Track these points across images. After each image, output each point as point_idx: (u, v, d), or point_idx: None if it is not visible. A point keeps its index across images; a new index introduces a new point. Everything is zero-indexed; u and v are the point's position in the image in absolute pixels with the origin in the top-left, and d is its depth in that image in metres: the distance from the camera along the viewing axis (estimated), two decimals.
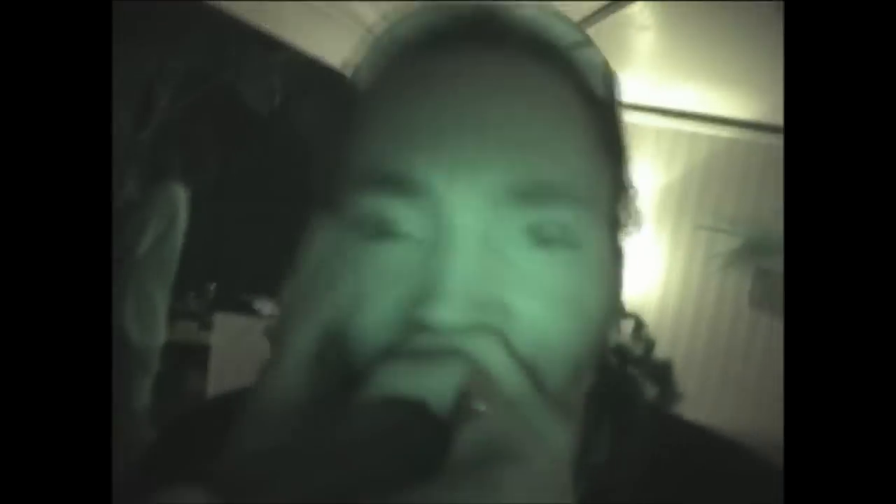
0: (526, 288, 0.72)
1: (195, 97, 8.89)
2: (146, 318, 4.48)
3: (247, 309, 5.70)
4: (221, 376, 5.19)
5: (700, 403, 5.18)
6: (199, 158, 8.83)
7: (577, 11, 5.49)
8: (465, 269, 0.68)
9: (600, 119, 0.90)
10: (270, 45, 7.95)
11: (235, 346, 5.28)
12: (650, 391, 1.95)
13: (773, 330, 5.98)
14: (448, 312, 0.67)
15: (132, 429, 4.28)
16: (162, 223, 4.75)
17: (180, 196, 4.83)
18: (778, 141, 5.80)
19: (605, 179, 0.86)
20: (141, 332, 4.42)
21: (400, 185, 0.73)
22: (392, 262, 0.75)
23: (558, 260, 0.75)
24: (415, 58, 0.82)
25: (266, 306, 5.88)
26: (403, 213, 0.74)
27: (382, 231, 0.76)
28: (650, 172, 6.54)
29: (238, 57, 8.68)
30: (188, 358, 6.34)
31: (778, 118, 5.40)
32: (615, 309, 0.99)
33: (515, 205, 0.72)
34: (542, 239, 0.73)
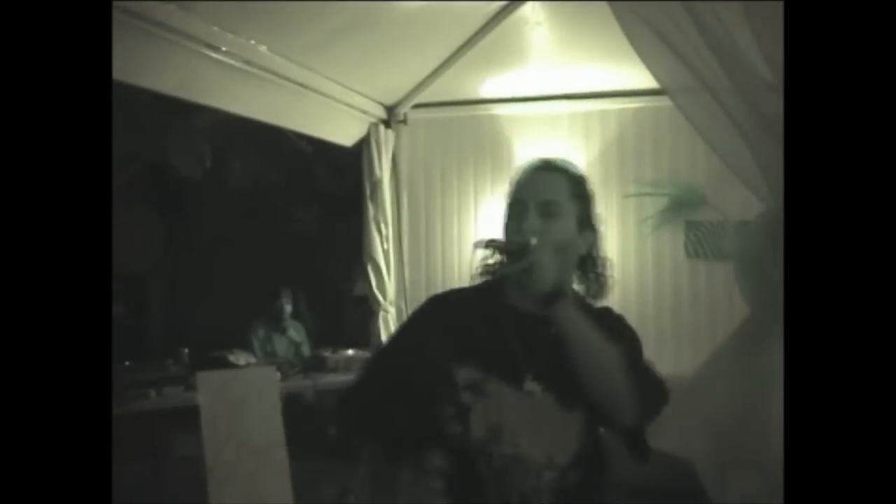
0: None
1: (126, 177, 9.10)
2: None
3: (223, 363, 5.95)
4: (215, 430, 5.45)
5: (661, 354, 5.58)
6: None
7: (478, 14, 5.90)
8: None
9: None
10: (190, 111, 8.28)
11: (221, 400, 5.55)
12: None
13: (712, 275, 6.36)
14: None
15: None
16: None
17: None
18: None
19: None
20: None
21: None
22: None
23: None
24: None
25: (240, 357, 6.13)
26: None
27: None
28: (571, 155, 6.91)
29: (162, 129, 8.89)
30: (180, 421, 6.59)
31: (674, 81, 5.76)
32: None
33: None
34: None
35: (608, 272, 2.68)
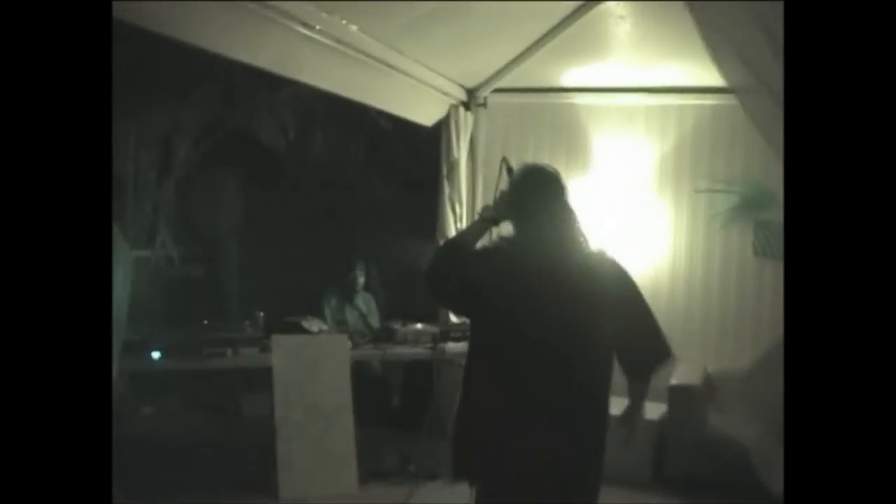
0: None
1: (212, 144, 9.36)
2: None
3: (297, 329, 6.15)
4: (286, 391, 5.67)
5: (721, 352, 5.72)
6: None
7: (563, 5, 6.02)
8: None
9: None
10: (277, 84, 8.50)
11: (294, 362, 5.76)
12: None
13: (778, 273, 6.42)
14: None
15: None
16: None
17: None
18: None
19: None
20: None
21: None
22: None
23: None
24: None
25: (313, 324, 6.33)
26: None
27: None
28: (645, 148, 7.02)
29: (248, 100, 9.14)
30: (252, 382, 6.82)
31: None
32: None
33: None
34: None
35: None
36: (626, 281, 3.50)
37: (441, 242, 6.83)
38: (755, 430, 3.40)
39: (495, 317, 3.28)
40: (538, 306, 3.22)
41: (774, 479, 3.25)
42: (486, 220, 3.56)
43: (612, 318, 3.35)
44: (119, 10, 2.53)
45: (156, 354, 5.26)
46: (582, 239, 3.50)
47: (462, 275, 3.33)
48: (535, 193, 3.48)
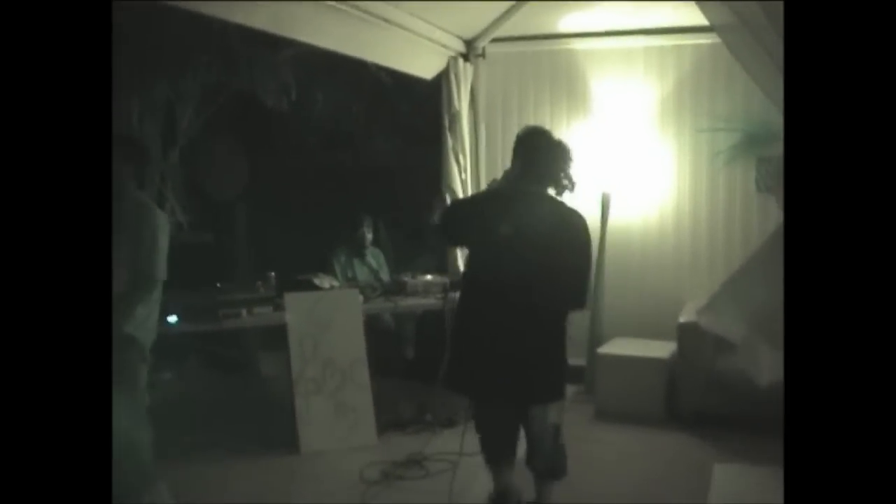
0: None
1: (215, 110, 9.40)
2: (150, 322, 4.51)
3: (309, 286, 6.22)
4: (301, 347, 5.75)
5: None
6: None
7: None
8: None
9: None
10: (276, 45, 8.53)
11: (308, 319, 5.84)
12: None
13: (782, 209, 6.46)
14: None
15: None
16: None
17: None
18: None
19: None
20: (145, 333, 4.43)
21: None
22: None
23: None
24: None
25: (324, 281, 6.40)
26: None
27: None
28: (645, 89, 7.04)
29: (248, 64, 9.15)
30: (269, 339, 6.90)
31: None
32: None
33: None
34: None
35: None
36: (584, 233, 4.31)
37: (446, 194, 6.91)
38: (742, 329, 3.57)
39: (485, 244, 4.27)
40: (516, 241, 4.10)
41: (761, 373, 3.41)
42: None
43: (567, 258, 4.22)
44: None
45: (172, 319, 5.33)
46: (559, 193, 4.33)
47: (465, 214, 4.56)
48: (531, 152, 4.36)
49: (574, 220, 4.28)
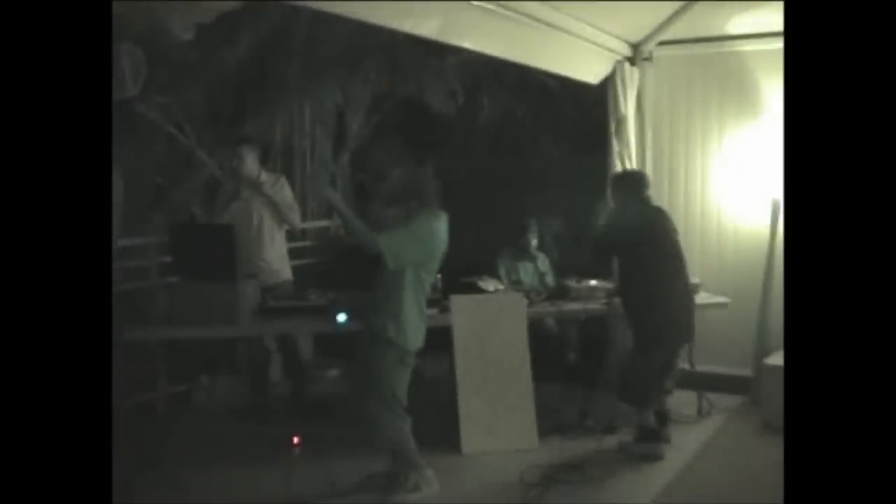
0: None
1: (383, 116, 9.64)
2: (419, 327, 4.96)
3: (474, 289, 6.27)
4: (466, 349, 5.82)
5: None
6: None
7: None
8: None
9: None
10: (442, 52, 8.67)
11: (473, 321, 5.92)
12: None
13: None
14: None
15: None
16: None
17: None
18: None
19: None
20: (416, 339, 4.91)
21: None
22: None
23: None
24: None
25: (489, 284, 6.45)
26: None
27: None
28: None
29: (415, 69, 9.36)
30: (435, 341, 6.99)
31: None
32: None
33: None
34: None
35: None
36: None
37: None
38: None
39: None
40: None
41: None
42: None
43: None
44: None
45: (341, 317, 5.47)
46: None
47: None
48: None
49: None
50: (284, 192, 6.46)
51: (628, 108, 7.18)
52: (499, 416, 5.81)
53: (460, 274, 6.59)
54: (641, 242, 5.63)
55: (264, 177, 6.39)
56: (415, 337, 4.91)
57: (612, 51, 7.03)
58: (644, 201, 5.83)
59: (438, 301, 6.09)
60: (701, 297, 6.36)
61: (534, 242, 7.46)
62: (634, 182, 5.95)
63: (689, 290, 5.89)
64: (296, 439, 5.85)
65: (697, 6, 6.63)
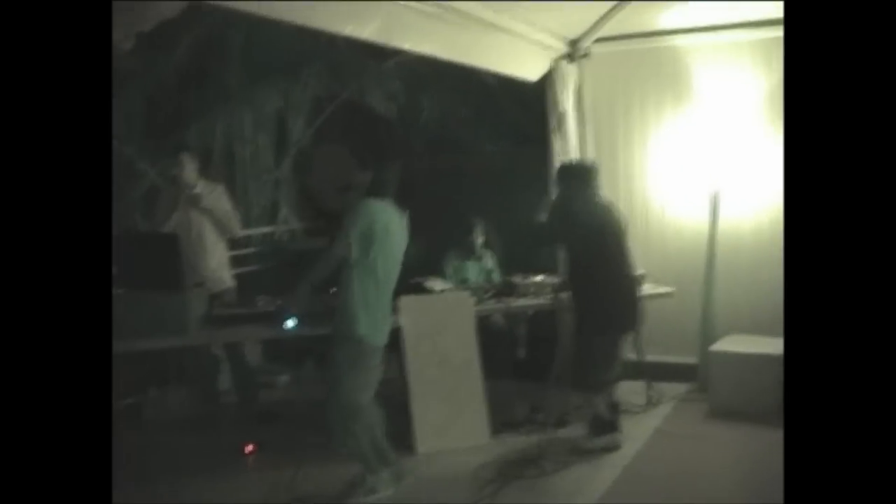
0: None
1: (325, 119, 9.62)
2: (379, 322, 4.99)
3: (421, 290, 6.29)
4: (417, 350, 5.84)
5: None
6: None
7: None
8: None
9: None
10: (382, 54, 8.68)
11: (422, 321, 5.94)
12: None
13: None
14: None
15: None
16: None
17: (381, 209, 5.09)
18: None
19: None
20: (375, 335, 4.92)
21: None
22: None
23: None
24: None
25: (437, 284, 6.47)
26: None
27: None
28: (752, 84, 6.94)
29: (356, 73, 9.37)
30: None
31: None
32: None
33: None
34: None
35: None
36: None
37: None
38: None
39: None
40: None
41: None
42: None
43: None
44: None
45: (290, 323, 5.46)
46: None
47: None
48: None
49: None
50: (222, 202, 6.42)
51: (568, 105, 7.25)
52: (451, 414, 5.83)
53: (407, 275, 6.61)
54: (589, 231, 5.64)
55: (202, 186, 6.34)
56: (372, 331, 4.93)
57: (549, 48, 7.09)
58: (593, 191, 5.88)
59: None
60: (646, 288, 6.42)
61: (479, 241, 7.49)
62: (584, 172, 5.98)
63: (633, 279, 5.93)
64: (250, 446, 5.85)
65: (631, 4, 6.70)
